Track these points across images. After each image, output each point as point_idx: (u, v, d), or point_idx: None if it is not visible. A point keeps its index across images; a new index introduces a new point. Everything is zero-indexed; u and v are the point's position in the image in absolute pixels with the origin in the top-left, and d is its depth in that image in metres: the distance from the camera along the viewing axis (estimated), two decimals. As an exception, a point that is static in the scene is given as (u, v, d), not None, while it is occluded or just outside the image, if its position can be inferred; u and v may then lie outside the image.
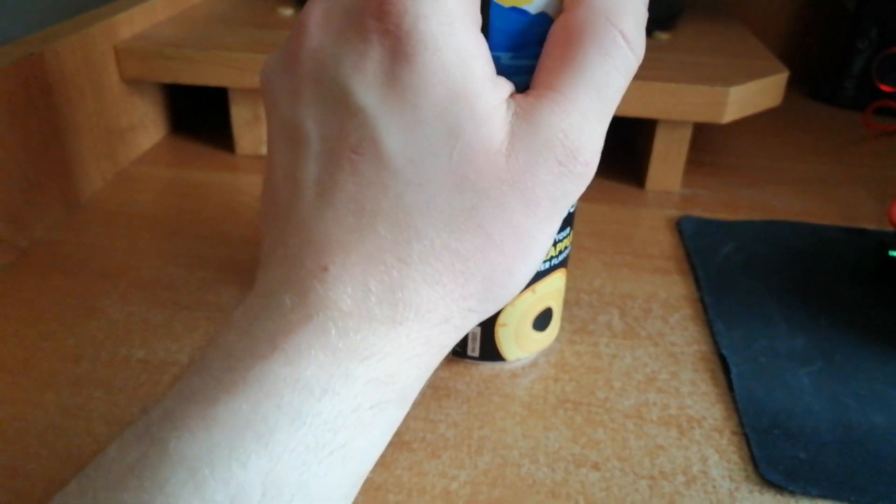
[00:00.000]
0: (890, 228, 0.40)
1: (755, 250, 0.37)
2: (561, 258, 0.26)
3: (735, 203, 0.42)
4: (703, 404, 0.27)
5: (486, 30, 0.20)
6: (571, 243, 0.27)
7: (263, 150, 0.45)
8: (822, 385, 0.28)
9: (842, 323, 0.32)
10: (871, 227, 0.40)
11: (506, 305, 0.25)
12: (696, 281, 0.35)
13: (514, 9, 0.20)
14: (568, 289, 0.34)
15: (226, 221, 0.38)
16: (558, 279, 0.27)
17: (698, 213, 0.41)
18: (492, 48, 0.20)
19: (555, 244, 0.25)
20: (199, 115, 0.52)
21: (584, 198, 0.42)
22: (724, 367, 0.29)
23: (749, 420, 0.26)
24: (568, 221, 0.26)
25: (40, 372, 0.28)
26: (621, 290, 0.34)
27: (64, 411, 0.26)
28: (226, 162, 0.45)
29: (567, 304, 0.32)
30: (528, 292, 0.26)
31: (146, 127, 0.46)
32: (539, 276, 0.26)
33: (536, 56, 0.21)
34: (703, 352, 0.30)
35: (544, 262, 0.25)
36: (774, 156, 0.49)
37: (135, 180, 0.42)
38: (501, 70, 0.21)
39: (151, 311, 0.31)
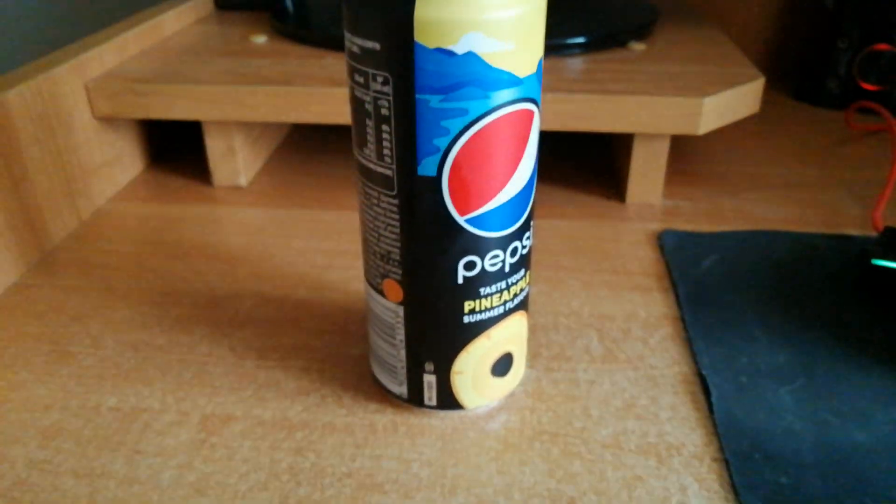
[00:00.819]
0: (873, 233, 0.39)
1: (736, 262, 0.37)
2: (517, 301, 0.25)
3: (717, 213, 0.42)
4: (683, 430, 0.26)
5: (411, 72, 0.20)
6: (530, 284, 0.26)
7: (240, 181, 0.45)
8: (803, 403, 0.28)
9: (824, 336, 0.31)
10: (854, 232, 0.40)
11: (460, 352, 0.25)
12: (677, 297, 0.34)
13: (439, 49, 0.20)
14: (546, 312, 0.33)
15: (202, 256, 0.38)
16: (517, 323, 0.26)
17: (680, 224, 0.41)
18: (419, 91, 0.20)
19: (509, 287, 0.24)
20: (176, 147, 0.51)
21: (563, 215, 0.42)
22: (704, 388, 0.28)
23: (729, 445, 0.26)
24: (523, 263, 0.25)
25: (8, 424, 0.27)
26: (600, 311, 0.33)
27: (31, 465, 0.25)
28: (203, 194, 0.45)
29: (545, 328, 0.32)
30: (483, 338, 0.25)
31: (122, 162, 0.45)
32: (493, 321, 0.25)
33: (467, 98, 0.20)
34: (684, 373, 0.29)
35: (498, 306, 0.24)
36: (757, 161, 0.49)
37: (111, 217, 0.42)
38: (431, 114, 0.20)
39: (124, 354, 0.31)
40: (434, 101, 0.20)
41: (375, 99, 0.21)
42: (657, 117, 0.39)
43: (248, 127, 0.45)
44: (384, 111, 0.21)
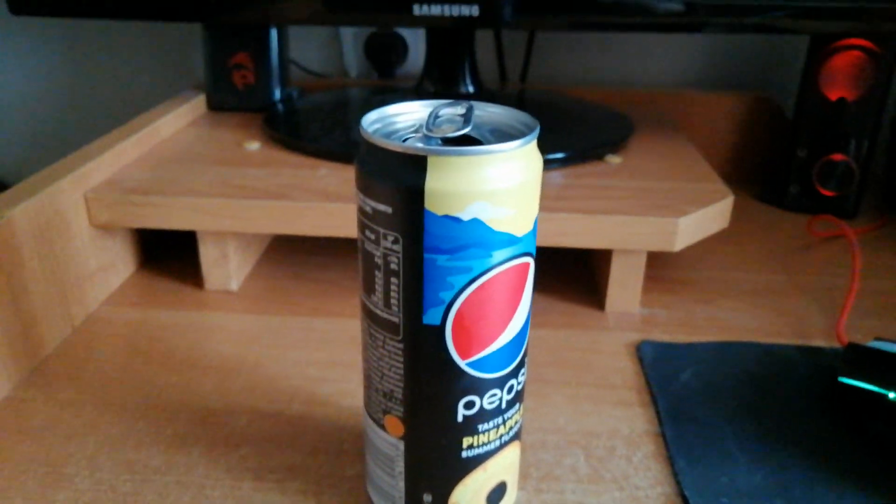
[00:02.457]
0: (839, 345, 0.41)
1: (712, 375, 0.39)
2: (512, 434, 0.26)
3: (692, 321, 0.44)
4: (669, 556, 0.28)
5: (420, 235, 0.22)
6: (523, 416, 0.28)
7: (231, 285, 0.46)
8: (782, 526, 0.29)
9: (798, 452, 0.33)
10: (821, 342, 0.42)
11: (457, 484, 0.26)
12: (657, 413, 0.36)
13: (446, 216, 0.21)
14: (533, 429, 0.34)
15: (196, 366, 0.39)
16: (511, 453, 0.27)
17: (657, 334, 0.43)
18: (426, 251, 0.22)
19: (505, 422, 0.26)
20: (167, 248, 0.52)
21: (546, 324, 0.43)
22: (687, 510, 0.30)
23: (714, 572, 0.27)
24: (518, 398, 0.26)
25: (5, 554, 0.27)
26: (585, 428, 0.35)
27: None
28: (194, 299, 0.45)
29: (533, 446, 0.33)
30: (480, 471, 0.26)
31: (115, 266, 0.46)
32: (490, 454, 0.26)
33: (471, 257, 0.22)
34: (667, 494, 0.31)
35: (495, 440, 0.26)
36: (726, 267, 0.52)
37: (103, 324, 0.43)
38: (437, 271, 0.22)
39: (120, 477, 0.31)
40: (441, 259, 0.22)
41: (385, 255, 0.23)
42: (635, 235, 0.41)
43: (241, 234, 0.47)
44: (393, 266, 0.23)
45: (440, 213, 0.21)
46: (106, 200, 0.42)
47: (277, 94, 0.61)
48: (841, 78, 0.58)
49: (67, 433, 0.34)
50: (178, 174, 0.46)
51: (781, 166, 0.62)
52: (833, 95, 0.58)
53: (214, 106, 0.61)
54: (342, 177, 0.46)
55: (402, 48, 0.72)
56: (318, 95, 0.63)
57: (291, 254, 0.52)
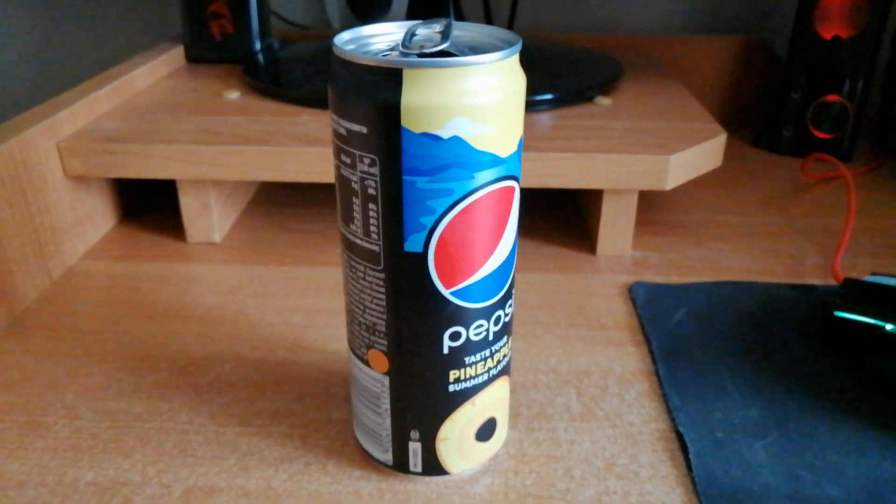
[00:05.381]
0: (834, 283, 0.41)
1: (706, 314, 0.38)
2: (500, 367, 0.26)
3: (684, 263, 0.43)
4: (664, 489, 0.27)
5: (398, 155, 0.21)
6: (511, 349, 0.27)
7: (214, 237, 0.45)
8: (777, 458, 0.28)
9: (793, 387, 0.32)
10: (816, 281, 0.41)
11: (445, 420, 0.25)
12: (651, 352, 0.35)
13: (425, 134, 0.20)
14: (525, 369, 0.34)
15: (178, 317, 0.38)
16: (500, 388, 0.26)
17: (649, 276, 0.42)
18: (405, 173, 0.21)
19: (493, 355, 0.25)
20: (148, 201, 0.51)
21: (537, 268, 0.42)
22: (681, 444, 0.29)
23: (709, 503, 0.26)
24: (506, 330, 0.25)
25: (-17, 503, 0.26)
26: (577, 367, 0.34)
27: (9, 547, 0.25)
28: (177, 251, 0.44)
29: (524, 386, 0.33)
30: (468, 405, 0.25)
31: (94, 219, 0.45)
32: (478, 388, 0.25)
33: (452, 179, 0.21)
34: (661, 430, 0.30)
35: (482, 373, 0.25)
36: (720, 209, 0.51)
37: (83, 277, 0.41)
38: (417, 194, 0.21)
39: (101, 424, 0.30)
40: (420, 182, 0.21)
41: (363, 179, 0.22)
42: (626, 174, 0.40)
43: (222, 183, 0.45)
44: (371, 191, 0.22)
45: (418, 130, 0.20)
46: (80, 150, 0.41)
47: (258, 44, 0.59)
48: (835, 15, 0.57)
49: (46, 383, 0.33)
50: (155, 123, 0.44)
51: (775, 109, 0.61)
52: (827, 34, 0.57)
53: (192, 57, 0.59)
54: (324, 122, 0.44)
55: (385, -3, 0.70)
56: (299, 46, 0.61)
57: (275, 206, 0.51)
